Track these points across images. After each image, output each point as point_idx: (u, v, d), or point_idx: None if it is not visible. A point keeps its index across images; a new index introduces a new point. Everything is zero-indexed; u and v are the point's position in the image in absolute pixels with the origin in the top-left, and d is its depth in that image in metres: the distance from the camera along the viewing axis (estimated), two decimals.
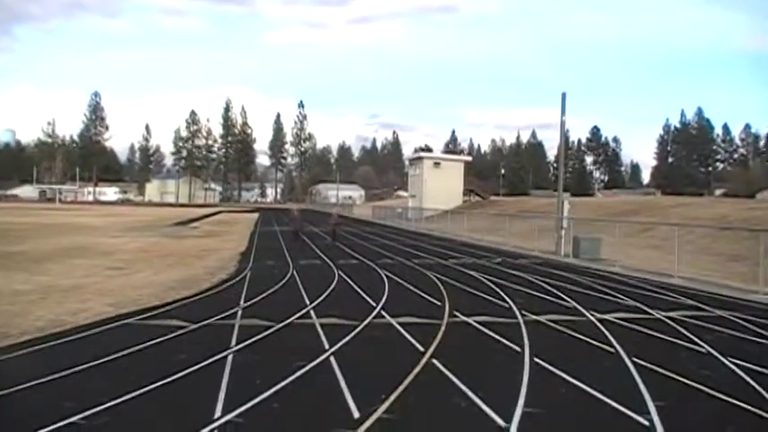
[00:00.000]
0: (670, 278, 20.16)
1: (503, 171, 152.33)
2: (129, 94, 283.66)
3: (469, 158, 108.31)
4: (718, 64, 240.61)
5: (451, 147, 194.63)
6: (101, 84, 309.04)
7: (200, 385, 7.99)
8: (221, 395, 7.47)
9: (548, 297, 16.20)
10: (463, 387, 7.92)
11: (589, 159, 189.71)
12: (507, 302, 15.09)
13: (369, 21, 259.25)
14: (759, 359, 9.62)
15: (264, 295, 15.79)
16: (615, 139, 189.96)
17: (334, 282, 18.52)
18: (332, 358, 9.43)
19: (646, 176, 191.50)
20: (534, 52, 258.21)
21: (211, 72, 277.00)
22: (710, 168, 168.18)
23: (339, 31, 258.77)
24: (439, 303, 14.83)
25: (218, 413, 6.85)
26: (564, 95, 32.34)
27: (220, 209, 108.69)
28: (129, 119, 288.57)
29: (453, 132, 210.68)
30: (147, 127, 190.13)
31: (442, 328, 11.94)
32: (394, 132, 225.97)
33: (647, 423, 6.75)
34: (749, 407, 7.35)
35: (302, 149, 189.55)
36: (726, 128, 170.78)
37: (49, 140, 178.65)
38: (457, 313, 13.43)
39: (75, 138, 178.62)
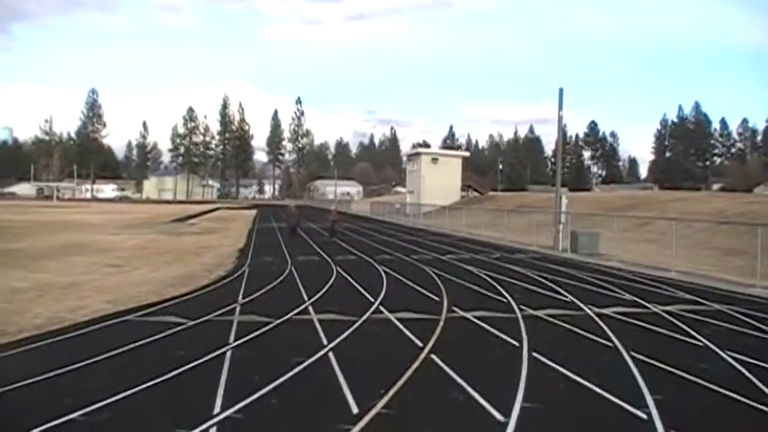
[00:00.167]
0: (668, 272, 20.17)
1: (500, 166, 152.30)
2: (127, 91, 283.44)
3: (467, 154, 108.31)
4: (716, 59, 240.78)
5: (449, 142, 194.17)
6: (98, 81, 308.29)
7: (199, 381, 8.00)
8: (220, 391, 7.48)
9: (546, 292, 16.21)
10: (462, 382, 7.93)
11: (587, 154, 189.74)
12: (505, 297, 15.10)
13: (365, 17, 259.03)
14: (757, 353, 9.64)
15: (263, 291, 15.79)
16: (613, 134, 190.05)
17: (333, 278, 18.52)
18: (330, 354, 9.44)
19: (643, 171, 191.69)
20: (531, 47, 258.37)
21: (208, 69, 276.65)
22: (708, 163, 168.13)
23: (336, 27, 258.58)
24: (437, 299, 14.84)
25: (217, 409, 6.87)
26: (561, 91, 32.29)
27: (218, 206, 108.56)
28: (127, 116, 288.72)
29: (451, 128, 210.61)
30: (144, 124, 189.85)
31: (441, 323, 11.95)
32: (392, 128, 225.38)
33: (645, 417, 6.77)
34: (747, 400, 7.37)
35: (300, 146, 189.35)
36: (723, 122, 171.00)
37: (47, 138, 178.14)
38: (455, 308, 13.44)
39: (73, 135, 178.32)
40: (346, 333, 10.94)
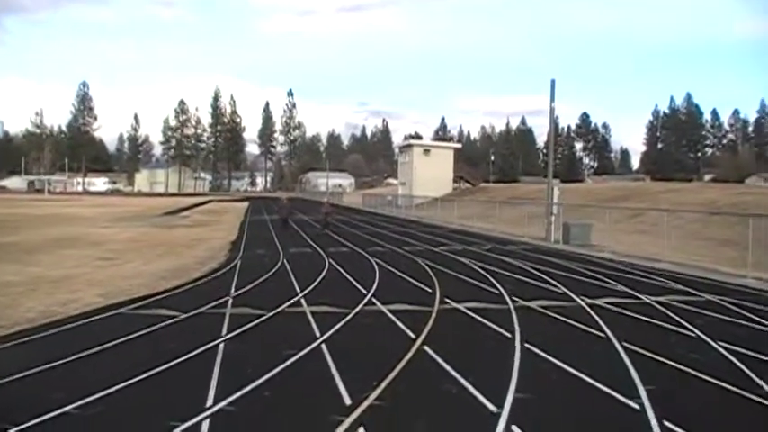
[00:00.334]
0: (660, 263, 20.23)
1: (492, 158, 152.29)
2: (118, 84, 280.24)
3: (459, 145, 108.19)
4: (707, 50, 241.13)
5: (441, 134, 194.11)
6: (89, 74, 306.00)
7: (192, 374, 8.00)
8: (213, 384, 7.47)
9: (538, 283, 16.24)
10: (454, 373, 7.94)
11: (579, 146, 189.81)
12: (498, 289, 15.13)
13: (357, 9, 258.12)
14: (748, 343, 9.68)
15: (255, 284, 15.79)
16: (605, 126, 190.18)
17: (325, 270, 18.52)
18: (323, 346, 9.44)
19: (635, 162, 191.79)
20: (523, 39, 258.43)
21: (200, 61, 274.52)
22: (700, 154, 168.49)
23: (328, 19, 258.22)
24: (430, 290, 14.85)
25: (209, 402, 6.86)
26: (553, 82, 32.32)
27: (210, 198, 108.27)
28: (118, 109, 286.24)
29: (443, 120, 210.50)
30: (135, 117, 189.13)
31: (433, 314, 11.96)
32: (383, 120, 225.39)
33: (637, 407, 6.79)
34: (738, 390, 7.40)
35: (292, 138, 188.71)
36: (715, 113, 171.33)
37: (38, 131, 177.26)
38: (448, 300, 13.46)
39: (64, 128, 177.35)
40: (339, 325, 10.94)
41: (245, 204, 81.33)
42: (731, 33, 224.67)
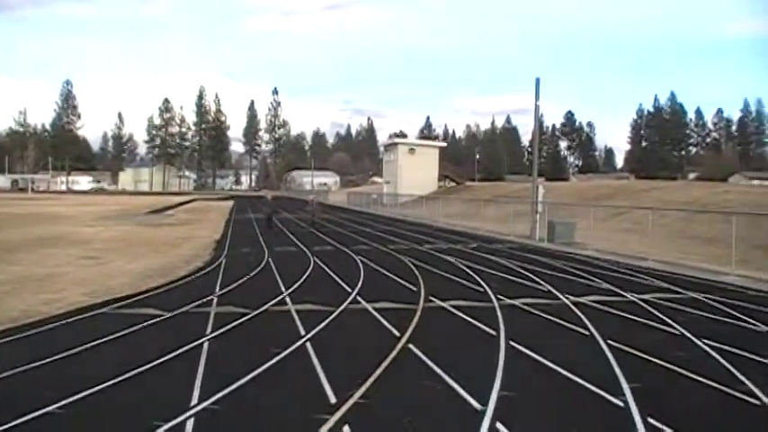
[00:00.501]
0: (644, 261, 20.32)
1: (478, 156, 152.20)
2: (102, 82, 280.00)
3: (444, 144, 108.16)
4: (692, 49, 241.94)
5: (426, 133, 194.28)
6: (73, 72, 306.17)
7: (176, 373, 7.96)
8: (197, 383, 7.44)
9: (523, 281, 16.28)
10: (439, 371, 7.94)
11: (563, 144, 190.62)
12: (482, 287, 15.14)
13: (342, 7, 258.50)
14: (731, 340, 9.73)
15: (240, 282, 15.76)
16: (589, 124, 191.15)
17: (310, 268, 18.50)
18: (308, 344, 9.42)
19: (620, 161, 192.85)
20: (508, 38, 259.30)
21: (184, 59, 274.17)
22: (683, 152, 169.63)
23: (313, 17, 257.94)
24: (414, 288, 14.86)
25: (194, 401, 6.84)
26: (538, 81, 32.42)
27: (195, 197, 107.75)
28: (102, 107, 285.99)
29: (428, 118, 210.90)
30: (119, 115, 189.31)
31: (418, 312, 11.97)
32: (368, 119, 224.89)
33: (621, 404, 6.81)
34: (722, 386, 7.43)
35: (276, 136, 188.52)
36: (698, 112, 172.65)
37: (21, 129, 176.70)
38: (432, 298, 13.47)
39: (48, 126, 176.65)
40: (324, 323, 10.92)
41: (230, 203, 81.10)
42: (716, 33, 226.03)
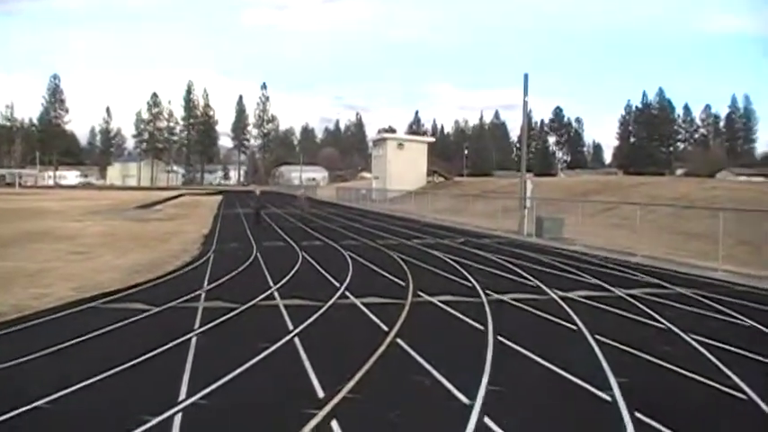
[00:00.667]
0: (632, 256, 20.39)
1: (466, 152, 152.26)
2: (90, 76, 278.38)
3: (433, 139, 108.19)
4: (680, 46, 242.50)
5: (415, 128, 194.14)
6: (61, 66, 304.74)
7: (164, 368, 7.95)
8: (185, 377, 7.44)
9: (511, 276, 16.31)
10: (427, 366, 7.96)
11: (552, 140, 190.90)
12: (471, 282, 15.17)
13: (332, 1, 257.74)
14: (718, 335, 9.79)
15: (228, 277, 15.74)
16: (578, 120, 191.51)
17: (299, 263, 18.50)
18: (296, 339, 9.42)
19: (608, 156, 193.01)
20: (497, 33, 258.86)
21: (173, 54, 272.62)
22: (671, 148, 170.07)
23: (302, 11, 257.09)
24: (403, 283, 14.87)
25: (182, 395, 6.83)
26: (526, 76, 32.44)
27: (183, 191, 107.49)
28: (90, 102, 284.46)
29: (417, 113, 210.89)
30: (107, 110, 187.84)
31: (406, 307, 11.98)
32: (357, 114, 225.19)
33: (609, 399, 6.83)
34: (709, 381, 7.47)
35: (265, 131, 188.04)
36: (687, 108, 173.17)
37: (8, 124, 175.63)
38: (421, 293, 13.48)
39: (35, 121, 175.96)
40: (312, 318, 10.93)
41: (219, 198, 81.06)
42: (703, 29, 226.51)
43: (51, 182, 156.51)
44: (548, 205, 34.32)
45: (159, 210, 53.50)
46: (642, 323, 10.93)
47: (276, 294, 13.30)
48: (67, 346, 8.82)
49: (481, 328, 10.32)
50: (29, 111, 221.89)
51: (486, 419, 6.17)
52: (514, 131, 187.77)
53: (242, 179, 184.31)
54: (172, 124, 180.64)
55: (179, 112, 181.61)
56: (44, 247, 22.47)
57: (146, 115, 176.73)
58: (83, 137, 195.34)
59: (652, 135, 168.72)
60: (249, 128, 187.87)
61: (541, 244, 25.25)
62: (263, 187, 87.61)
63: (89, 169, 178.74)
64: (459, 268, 17.53)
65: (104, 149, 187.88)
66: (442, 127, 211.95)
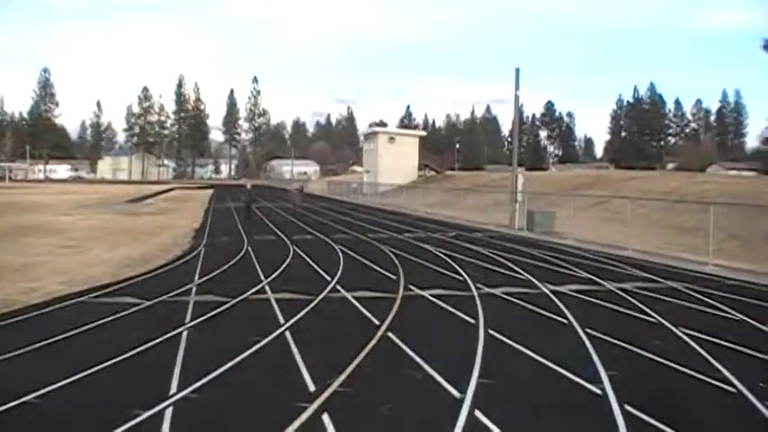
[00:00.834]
0: (623, 250, 20.43)
1: (458, 146, 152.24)
2: (80, 70, 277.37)
3: (424, 133, 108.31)
4: (671, 40, 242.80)
5: (406, 122, 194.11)
6: (51, 60, 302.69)
7: (155, 362, 7.93)
8: (176, 371, 7.43)
9: (502, 270, 16.33)
10: (418, 359, 7.96)
11: (543, 134, 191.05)
12: (462, 276, 15.18)
13: None
14: (708, 328, 9.81)
15: (219, 271, 15.71)
16: (569, 114, 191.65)
17: (290, 257, 18.48)
18: (287, 333, 9.42)
19: (599, 151, 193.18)
20: (489, 27, 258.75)
21: (164, 47, 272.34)
22: (662, 143, 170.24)
23: (294, 5, 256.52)
24: (394, 277, 14.87)
25: (173, 389, 6.82)
26: (518, 71, 32.51)
27: (174, 185, 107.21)
28: (80, 95, 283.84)
29: (408, 107, 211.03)
30: (98, 103, 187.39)
31: (398, 301, 11.99)
32: (348, 108, 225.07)
33: (599, 392, 6.85)
34: (699, 375, 7.50)
35: (256, 125, 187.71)
36: (678, 103, 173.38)
37: None
38: (412, 287, 13.49)
39: (25, 115, 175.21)
40: (303, 312, 10.93)
41: (210, 192, 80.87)
42: (695, 24, 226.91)
43: (42, 176, 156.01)
44: (539, 199, 34.41)
45: (150, 204, 53.38)
46: (633, 317, 10.96)
47: (267, 288, 13.29)
48: (57, 341, 8.79)
49: (472, 321, 10.33)
50: (19, 104, 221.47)
51: (477, 413, 6.18)
52: (506, 126, 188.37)
53: (233, 173, 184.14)
54: (163, 118, 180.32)
55: (170, 106, 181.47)
56: (34, 241, 22.40)
57: (136, 109, 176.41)
58: (73, 131, 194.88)
59: (643, 129, 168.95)
60: (240, 122, 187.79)
61: (533, 238, 25.29)
62: (255, 181, 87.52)
63: (80, 163, 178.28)
64: (451, 262, 17.54)
65: (95, 143, 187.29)
66: (434, 121, 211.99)
